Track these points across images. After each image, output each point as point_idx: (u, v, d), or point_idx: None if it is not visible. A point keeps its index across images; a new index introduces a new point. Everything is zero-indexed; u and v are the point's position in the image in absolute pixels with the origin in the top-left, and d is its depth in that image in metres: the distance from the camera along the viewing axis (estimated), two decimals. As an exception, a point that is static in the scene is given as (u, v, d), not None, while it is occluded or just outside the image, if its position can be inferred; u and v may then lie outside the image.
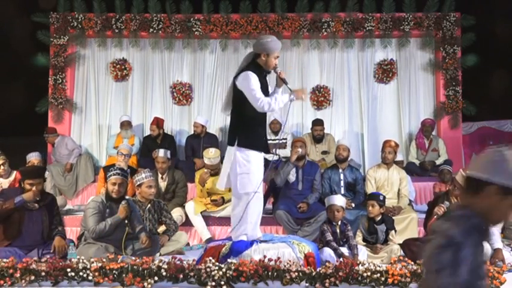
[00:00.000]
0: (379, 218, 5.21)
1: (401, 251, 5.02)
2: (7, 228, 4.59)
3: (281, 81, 4.27)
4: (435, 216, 4.80)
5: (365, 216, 5.34)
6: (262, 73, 4.25)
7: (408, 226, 5.94)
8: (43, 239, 4.72)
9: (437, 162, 7.66)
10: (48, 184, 6.70)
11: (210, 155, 6.22)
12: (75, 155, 7.66)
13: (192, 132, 8.06)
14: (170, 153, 6.80)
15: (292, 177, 6.12)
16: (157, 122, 7.84)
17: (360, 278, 3.69)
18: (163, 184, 6.45)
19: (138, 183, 5.35)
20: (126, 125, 7.94)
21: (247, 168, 4.17)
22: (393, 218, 5.64)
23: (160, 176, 6.48)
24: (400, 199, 6.25)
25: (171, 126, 8.53)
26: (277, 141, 7.23)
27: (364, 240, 5.23)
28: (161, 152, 6.54)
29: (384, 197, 5.36)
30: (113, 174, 4.91)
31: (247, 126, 4.24)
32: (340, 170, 6.41)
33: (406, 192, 6.29)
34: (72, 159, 7.59)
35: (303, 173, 6.14)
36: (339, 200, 5.15)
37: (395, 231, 5.34)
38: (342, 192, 6.22)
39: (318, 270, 3.76)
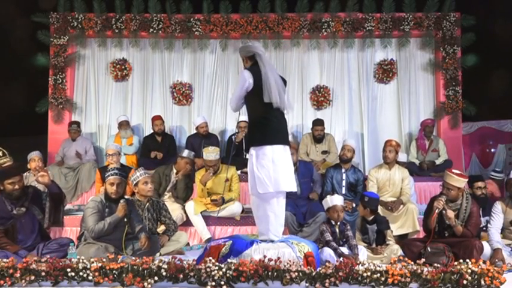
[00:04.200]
0: (371, 218, 5.21)
1: (401, 251, 5.02)
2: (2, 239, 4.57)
3: None
4: (436, 210, 4.79)
5: (360, 216, 5.35)
6: None
7: (405, 214, 5.92)
8: (41, 236, 4.72)
9: (437, 162, 7.67)
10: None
11: (210, 150, 6.24)
12: (86, 159, 7.62)
13: (192, 132, 8.07)
14: (170, 153, 6.77)
15: None
16: (161, 117, 7.95)
17: (360, 278, 3.69)
18: (175, 178, 6.44)
19: (135, 182, 5.33)
20: (124, 125, 7.95)
21: None
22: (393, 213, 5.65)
23: (174, 170, 6.47)
24: (402, 196, 6.14)
25: (171, 126, 8.53)
26: None
27: (362, 240, 5.23)
28: (185, 153, 6.50)
29: (370, 198, 5.20)
30: (110, 174, 4.89)
31: None
32: (343, 170, 6.40)
33: (408, 191, 6.18)
34: (82, 159, 7.55)
35: (298, 177, 5.86)
36: (339, 200, 5.13)
37: (392, 230, 5.33)
38: (343, 192, 6.21)
39: (318, 270, 3.75)
